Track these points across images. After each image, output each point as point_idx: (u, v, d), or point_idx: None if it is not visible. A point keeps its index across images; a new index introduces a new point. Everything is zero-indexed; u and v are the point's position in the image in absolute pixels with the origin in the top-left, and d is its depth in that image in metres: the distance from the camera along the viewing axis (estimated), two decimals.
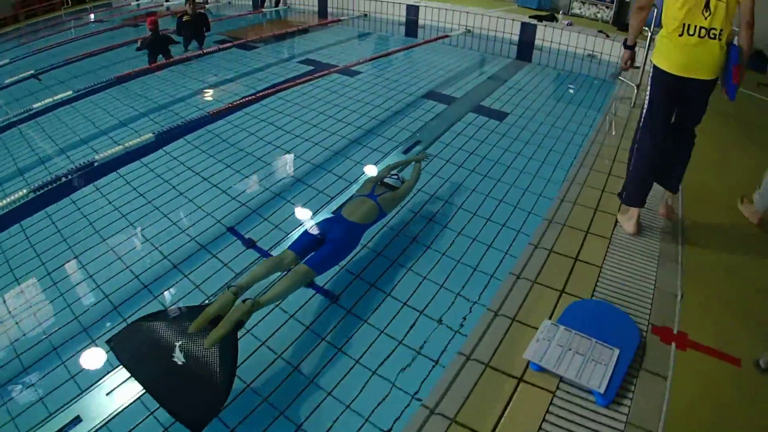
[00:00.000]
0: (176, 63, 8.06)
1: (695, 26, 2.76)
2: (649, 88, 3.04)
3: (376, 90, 6.86)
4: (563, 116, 6.05)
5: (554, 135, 5.54)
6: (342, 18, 11.17)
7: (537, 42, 9.01)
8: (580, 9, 10.31)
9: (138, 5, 14.39)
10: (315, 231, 3.15)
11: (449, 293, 3.20)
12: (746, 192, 3.56)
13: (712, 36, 2.75)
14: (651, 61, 3.02)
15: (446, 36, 9.46)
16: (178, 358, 2.29)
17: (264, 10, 12.57)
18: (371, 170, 4.64)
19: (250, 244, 3.63)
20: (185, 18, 8.31)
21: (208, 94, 7.00)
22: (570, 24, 8.99)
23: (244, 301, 2.52)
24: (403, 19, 10.70)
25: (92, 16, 13.41)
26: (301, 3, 12.49)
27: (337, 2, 11.70)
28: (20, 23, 14.61)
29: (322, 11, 12.02)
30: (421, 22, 10.42)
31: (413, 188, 3.95)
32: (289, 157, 5.10)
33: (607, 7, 12.45)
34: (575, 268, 2.92)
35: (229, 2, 13.54)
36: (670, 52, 2.87)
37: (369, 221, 3.35)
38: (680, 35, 2.80)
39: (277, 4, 12.60)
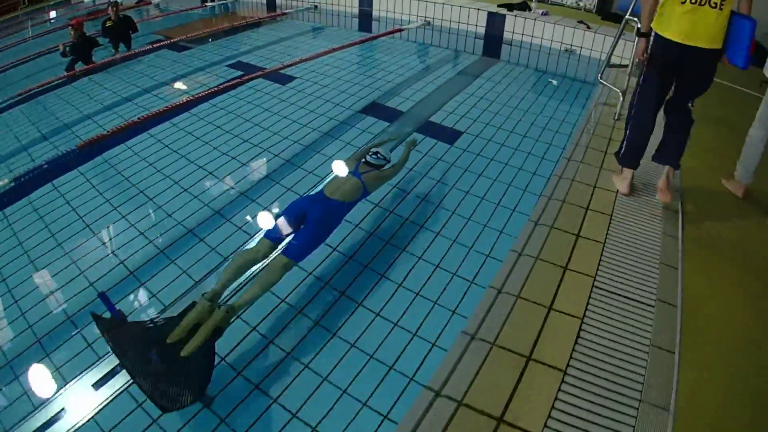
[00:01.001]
0: (98, 70, 7.24)
1: None
2: (647, 54, 3.10)
3: (305, 102, 5.63)
4: (530, 133, 4.89)
5: (515, 163, 4.38)
6: (287, 11, 9.78)
7: (506, 35, 7.72)
8: None
9: (93, 2, 12.94)
10: (293, 212, 3.00)
11: (445, 273, 3.18)
12: (728, 168, 3.57)
13: (713, 5, 2.77)
14: (652, 28, 3.04)
15: (400, 30, 8.11)
16: (156, 363, 2.37)
17: (210, 3, 11.27)
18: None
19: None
20: (108, 23, 7.78)
21: (120, 108, 5.88)
22: (545, 13, 7.69)
23: (219, 307, 2.55)
24: (356, 11, 9.35)
25: (52, 13, 12.35)
26: None
27: None
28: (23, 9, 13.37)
29: (271, 3, 10.64)
30: (375, 13, 9.09)
31: (400, 171, 3.80)
32: (204, 174, 4.38)
33: None
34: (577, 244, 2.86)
35: None
36: (670, 20, 2.90)
37: (352, 200, 3.21)
38: (682, 3, 2.83)
39: None
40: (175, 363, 2.36)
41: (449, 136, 4.88)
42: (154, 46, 8.07)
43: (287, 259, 2.75)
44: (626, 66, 5.04)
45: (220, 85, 6.19)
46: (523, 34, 7.55)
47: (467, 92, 5.93)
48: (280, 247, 2.94)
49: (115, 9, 7.73)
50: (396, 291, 3.05)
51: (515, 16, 7.54)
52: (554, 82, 6.35)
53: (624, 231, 3.04)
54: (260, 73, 6.51)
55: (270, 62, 7.03)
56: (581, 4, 11.81)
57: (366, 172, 3.40)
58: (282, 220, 2.95)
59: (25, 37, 9.53)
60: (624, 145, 3.35)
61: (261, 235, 3.01)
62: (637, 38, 3.26)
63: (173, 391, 2.27)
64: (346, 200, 3.15)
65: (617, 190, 3.45)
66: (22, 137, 5.36)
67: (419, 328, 2.79)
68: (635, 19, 4.34)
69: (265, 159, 4.61)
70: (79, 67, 7.30)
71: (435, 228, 3.60)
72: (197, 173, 4.38)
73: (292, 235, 2.94)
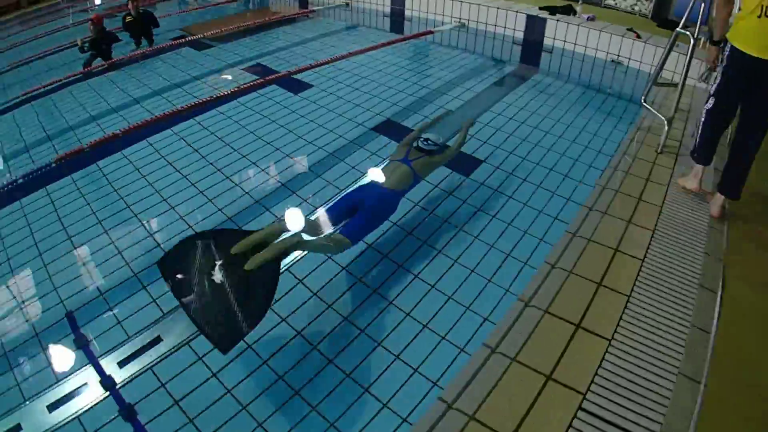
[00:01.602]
0: (115, 67, 7.12)
1: None
2: (722, 65, 3.04)
3: (316, 115, 5.20)
4: (558, 167, 4.27)
5: (538, 204, 3.83)
6: (316, 8, 9.32)
7: (547, 42, 7.04)
8: (615, 0, 8.26)
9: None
10: (348, 201, 3.07)
11: (480, 279, 3.07)
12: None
13: None
14: (727, 39, 2.99)
15: (430, 32, 7.55)
16: (217, 277, 2.39)
17: None
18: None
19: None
20: (128, 18, 7.70)
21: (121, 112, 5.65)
22: (591, 18, 6.96)
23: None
24: (388, 10, 8.80)
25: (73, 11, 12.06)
26: None
27: None
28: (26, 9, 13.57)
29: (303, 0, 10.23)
30: (408, 13, 8.54)
31: (453, 155, 3.68)
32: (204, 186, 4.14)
33: None
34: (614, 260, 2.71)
35: None
36: (747, 33, 2.84)
37: (403, 188, 3.25)
38: (759, 16, 2.75)
39: None
40: (237, 280, 2.37)
41: (470, 162, 4.33)
42: (175, 43, 7.88)
43: (343, 236, 2.81)
44: (676, 84, 4.34)
45: (235, 88, 5.87)
46: (565, 41, 6.86)
47: (505, 102, 5.40)
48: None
49: (135, 3, 7.59)
50: (428, 292, 2.98)
51: (557, 20, 6.85)
52: (584, 109, 5.58)
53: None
54: (273, 76, 6.11)
55: (287, 65, 6.64)
56: (636, 8, 10.94)
57: (416, 158, 3.36)
58: (338, 209, 3.03)
59: (36, 34, 9.45)
60: (696, 144, 3.35)
61: None
62: (709, 45, 3.30)
63: (231, 319, 2.26)
64: (398, 188, 3.19)
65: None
66: (27, 135, 5.28)
67: (449, 332, 2.70)
68: (687, 32, 3.84)
69: (286, 164, 4.39)
70: (98, 62, 7.23)
71: (474, 232, 3.49)
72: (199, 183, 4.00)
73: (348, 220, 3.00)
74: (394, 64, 6.59)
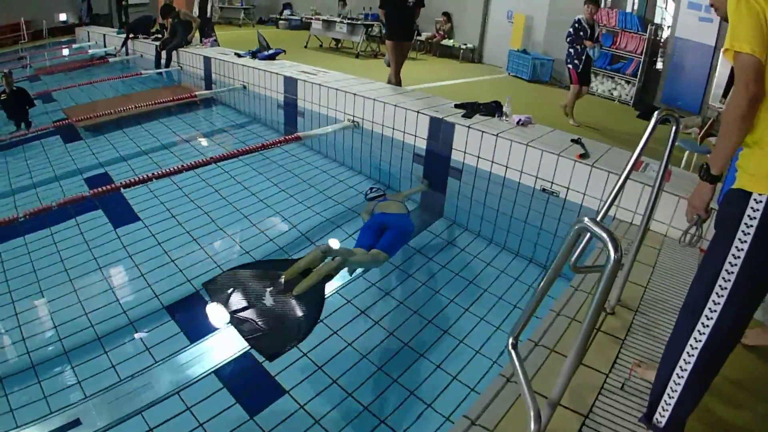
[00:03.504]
0: None
1: None
2: (749, 237, 1.53)
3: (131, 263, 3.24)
4: None
5: None
6: (195, 94, 7.39)
7: (455, 156, 4.80)
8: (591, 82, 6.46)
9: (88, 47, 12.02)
10: (374, 223, 3.47)
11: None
12: None
13: None
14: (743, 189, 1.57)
15: (295, 139, 5.38)
16: (268, 300, 2.71)
17: (164, 70, 9.28)
18: None
19: None
20: (2, 96, 6.74)
21: None
22: (524, 122, 4.73)
23: (333, 259, 2.84)
24: (282, 98, 6.78)
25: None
26: (192, 65, 8.89)
27: (220, 68, 7.99)
28: None
29: (207, 78, 8.41)
30: (300, 105, 6.46)
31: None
32: None
33: (628, 82, 8.30)
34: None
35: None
36: None
37: (405, 212, 3.72)
38: None
39: (166, 65, 9.12)
40: (287, 303, 2.68)
41: None
42: (50, 128, 6.48)
43: (381, 251, 3.13)
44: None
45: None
46: (478, 157, 4.61)
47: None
48: None
49: (6, 79, 6.61)
50: (416, 360, 2.79)
51: (468, 127, 4.62)
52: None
53: None
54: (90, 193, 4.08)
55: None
56: (615, 93, 8.81)
57: (384, 201, 3.84)
58: (369, 231, 3.40)
59: None
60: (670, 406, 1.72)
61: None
62: (699, 181, 1.82)
63: (281, 334, 2.57)
64: (402, 212, 3.64)
65: None
66: None
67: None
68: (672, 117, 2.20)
69: None
70: None
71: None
72: None
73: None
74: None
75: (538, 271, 3.57)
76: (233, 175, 4.98)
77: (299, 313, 2.61)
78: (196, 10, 9.58)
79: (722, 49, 1.64)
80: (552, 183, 4.18)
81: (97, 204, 4.32)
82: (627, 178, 2.24)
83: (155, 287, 3.42)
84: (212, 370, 2.74)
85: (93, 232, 4.03)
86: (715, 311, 1.58)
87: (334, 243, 3.25)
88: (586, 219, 1.36)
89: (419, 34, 13.30)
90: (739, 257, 1.53)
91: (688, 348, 1.64)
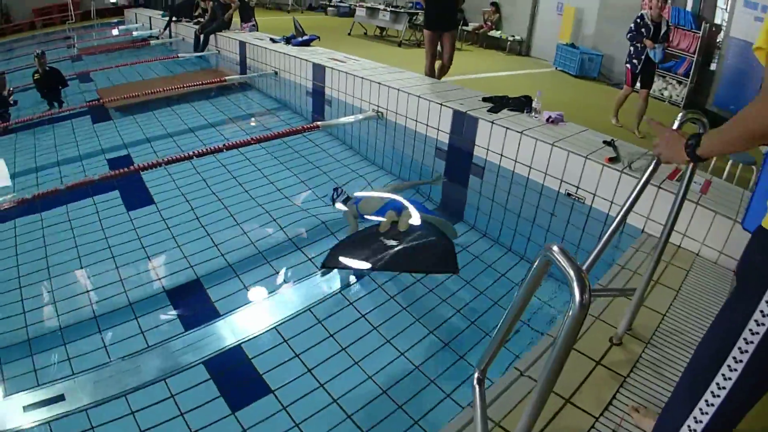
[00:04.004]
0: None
1: None
2: None
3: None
4: None
5: None
6: (225, 78, 7.36)
7: (478, 153, 4.56)
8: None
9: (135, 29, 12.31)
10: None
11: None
12: None
13: None
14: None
15: (314, 127, 5.24)
16: (396, 242, 2.80)
17: (199, 54, 9.34)
18: None
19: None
20: (36, 75, 6.94)
21: None
22: (555, 120, 4.44)
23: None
24: (310, 85, 6.67)
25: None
26: (229, 49, 8.92)
27: (254, 53, 7.96)
28: (35, 31, 14.50)
29: (242, 63, 8.41)
30: (328, 93, 6.32)
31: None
32: None
33: (680, 82, 7.79)
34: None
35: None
36: None
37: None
38: None
39: (202, 48, 9.19)
40: (414, 234, 2.84)
41: None
42: (81, 108, 6.59)
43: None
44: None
45: None
46: (501, 155, 4.35)
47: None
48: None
49: (39, 59, 6.77)
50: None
51: (491, 122, 4.36)
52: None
53: None
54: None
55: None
56: (666, 93, 8.27)
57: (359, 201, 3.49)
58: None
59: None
60: None
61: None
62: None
63: (436, 252, 2.78)
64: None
65: None
66: None
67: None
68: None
69: None
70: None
71: None
72: None
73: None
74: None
75: (555, 286, 3.30)
76: (253, 161, 4.89)
77: (432, 236, 2.80)
78: None
79: (753, 47, 1.35)
80: (577, 188, 3.89)
81: (115, 184, 4.31)
82: (646, 184, 1.98)
83: (158, 271, 3.40)
84: (202, 360, 2.66)
85: (107, 212, 4.03)
86: (724, 388, 1.21)
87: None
88: (554, 247, 1.14)
89: (466, 24, 12.94)
90: (764, 324, 1.14)
91: (690, 423, 1.28)
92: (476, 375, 1.41)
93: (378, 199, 3.36)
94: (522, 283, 1.30)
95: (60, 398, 2.49)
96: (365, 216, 3.32)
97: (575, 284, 1.02)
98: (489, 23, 12.87)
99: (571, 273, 1.03)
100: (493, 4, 12.74)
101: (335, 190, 3.72)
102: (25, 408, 2.43)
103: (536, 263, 1.21)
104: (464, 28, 12.79)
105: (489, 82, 8.43)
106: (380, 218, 3.08)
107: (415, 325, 2.94)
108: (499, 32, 12.65)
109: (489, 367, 1.45)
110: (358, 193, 3.63)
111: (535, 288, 1.27)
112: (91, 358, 2.72)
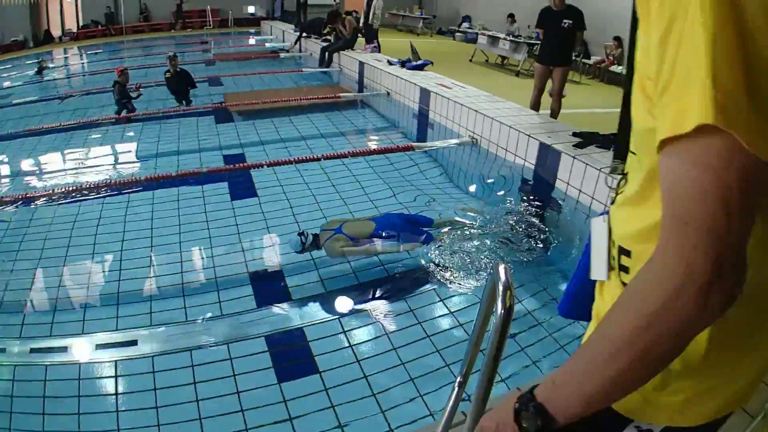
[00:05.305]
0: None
1: None
2: None
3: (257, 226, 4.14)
4: None
5: None
6: (340, 95, 8.07)
7: (559, 186, 4.73)
8: None
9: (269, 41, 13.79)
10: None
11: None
12: None
13: None
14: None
15: (409, 148, 5.67)
16: None
17: (325, 69, 10.32)
18: None
19: None
20: (167, 75, 7.99)
21: None
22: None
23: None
24: (417, 108, 7.16)
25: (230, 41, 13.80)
26: (350, 68, 9.73)
27: (371, 73, 8.65)
28: (175, 33, 15.45)
29: (360, 81, 9.16)
30: (431, 116, 6.77)
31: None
32: None
33: None
34: None
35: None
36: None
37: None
38: None
39: (327, 65, 10.11)
40: None
41: None
42: (206, 108, 7.66)
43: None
44: None
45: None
46: (580, 191, 4.50)
47: None
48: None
49: (171, 61, 7.76)
50: None
51: (573, 157, 4.53)
52: None
53: None
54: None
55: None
56: None
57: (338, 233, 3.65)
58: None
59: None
60: None
61: None
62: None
63: None
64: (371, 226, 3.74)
65: None
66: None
67: None
68: None
69: None
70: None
71: None
72: None
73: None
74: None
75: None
76: (353, 172, 5.39)
77: None
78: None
79: None
80: None
81: (225, 177, 5.06)
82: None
83: (246, 254, 3.96)
84: (264, 334, 3.12)
85: (213, 198, 4.74)
86: None
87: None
88: (500, 267, 1.02)
89: (588, 57, 12.78)
90: None
91: None
92: (458, 379, 1.43)
93: (366, 224, 3.69)
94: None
95: (132, 343, 2.92)
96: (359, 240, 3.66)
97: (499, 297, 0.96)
98: (611, 57, 12.60)
99: (500, 287, 0.96)
100: (616, 38, 12.46)
101: (300, 235, 3.57)
102: (97, 346, 2.88)
103: (488, 283, 1.13)
104: (585, 61, 12.65)
105: (597, 119, 8.35)
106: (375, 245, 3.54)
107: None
108: (621, 67, 12.33)
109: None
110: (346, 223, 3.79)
111: (490, 312, 1.17)
112: (170, 316, 3.25)
